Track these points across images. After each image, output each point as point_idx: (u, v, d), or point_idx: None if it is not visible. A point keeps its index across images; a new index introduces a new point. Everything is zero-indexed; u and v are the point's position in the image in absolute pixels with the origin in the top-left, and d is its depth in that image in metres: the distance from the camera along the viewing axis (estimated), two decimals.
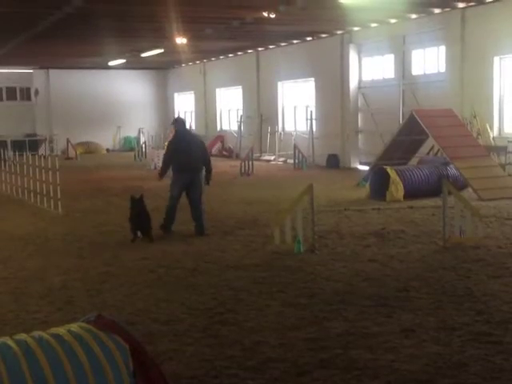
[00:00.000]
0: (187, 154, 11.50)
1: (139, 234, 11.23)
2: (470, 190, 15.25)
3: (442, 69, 20.83)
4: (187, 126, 12.17)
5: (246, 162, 23.10)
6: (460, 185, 14.71)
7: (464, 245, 9.93)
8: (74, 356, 3.54)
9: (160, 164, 25.94)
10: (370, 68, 24.59)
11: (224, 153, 33.30)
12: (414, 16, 20.87)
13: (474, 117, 18.54)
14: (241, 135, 31.47)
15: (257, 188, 18.64)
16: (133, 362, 3.66)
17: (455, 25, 19.58)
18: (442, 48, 20.78)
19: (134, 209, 11.29)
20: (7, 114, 37.19)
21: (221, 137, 34.64)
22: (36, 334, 3.72)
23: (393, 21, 21.72)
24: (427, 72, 21.86)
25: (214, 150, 33.97)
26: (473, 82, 19.22)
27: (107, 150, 38.37)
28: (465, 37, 19.41)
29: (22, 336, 3.69)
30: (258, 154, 28.86)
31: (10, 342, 3.57)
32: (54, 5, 17.23)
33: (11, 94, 38.81)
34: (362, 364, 5.41)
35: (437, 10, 19.94)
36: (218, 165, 27.83)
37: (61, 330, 3.76)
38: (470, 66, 19.34)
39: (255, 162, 24.18)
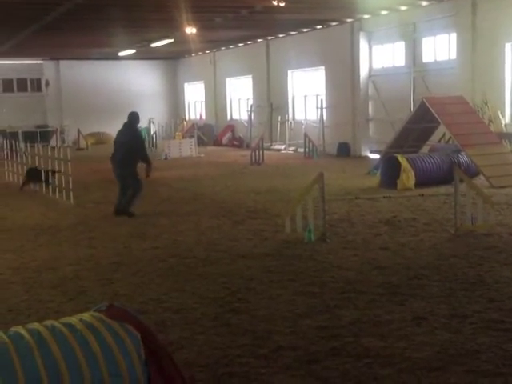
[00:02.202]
0: None
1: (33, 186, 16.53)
2: (481, 177, 15.18)
3: (453, 56, 20.69)
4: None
5: (257, 152, 23.08)
6: (472, 172, 14.64)
7: (475, 232, 9.90)
8: (87, 345, 3.57)
9: (170, 154, 26.20)
10: (380, 56, 24.47)
11: (234, 142, 33.30)
12: (424, 3, 20.73)
13: (486, 104, 18.42)
14: (251, 124, 31.43)
15: (267, 177, 18.63)
16: (144, 351, 3.68)
17: (466, 11, 19.43)
18: (453, 35, 20.63)
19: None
20: (18, 106, 37.32)
21: (231, 126, 34.63)
22: (48, 323, 3.75)
23: (403, 8, 21.59)
24: (438, 59, 21.74)
25: (225, 140, 34.01)
26: (484, 68, 19.09)
27: None
28: (476, 23, 19.26)
29: (35, 325, 3.72)
30: (269, 143, 28.82)
31: (23, 332, 3.60)
32: None
33: (22, 85, 38.89)
34: (374, 352, 5.41)
35: None
36: (229, 154, 27.90)
37: (73, 319, 3.79)
38: (481, 53, 19.20)
39: (265, 152, 24.14)
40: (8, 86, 38.51)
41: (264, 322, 6.28)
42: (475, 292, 7.01)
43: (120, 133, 12.94)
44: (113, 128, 37.79)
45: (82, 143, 33.91)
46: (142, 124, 38.94)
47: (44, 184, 16.30)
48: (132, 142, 12.54)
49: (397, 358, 5.28)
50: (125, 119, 13.13)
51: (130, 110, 13.53)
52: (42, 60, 37.88)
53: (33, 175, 16.88)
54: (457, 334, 5.75)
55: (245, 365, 5.26)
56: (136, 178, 12.67)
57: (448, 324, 6.03)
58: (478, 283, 7.34)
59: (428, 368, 5.07)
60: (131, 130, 12.78)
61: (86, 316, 3.84)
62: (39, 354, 3.46)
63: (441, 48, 21.63)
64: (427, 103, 16.37)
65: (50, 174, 16.20)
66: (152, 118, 38.73)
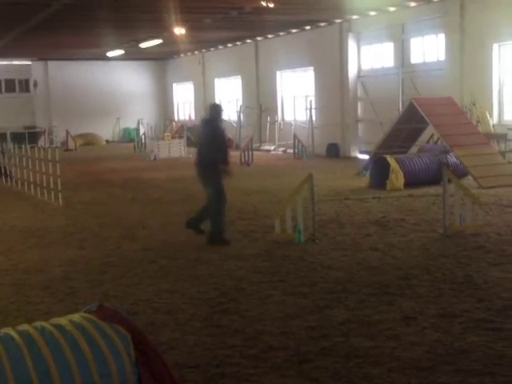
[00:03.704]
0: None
1: None
2: (470, 177, 15.25)
3: (442, 57, 20.78)
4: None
5: (246, 152, 23.09)
6: (460, 173, 14.70)
7: (464, 232, 9.94)
8: (76, 346, 3.56)
9: (159, 155, 26.13)
10: (369, 57, 24.54)
11: None
12: (412, 4, 20.80)
13: (474, 104, 18.50)
14: (240, 125, 31.43)
15: (257, 178, 18.65)
16: (135, 351, 3.68)
17: (454, 12, 19.52)
18: (441, 36, 20.73)
19: None
20: (6, 106, 37.15)
21: None
22: (38, 324, 3.74)
23: (392, 9, 21.66)
24: (426, 60, 21.83)
25: None
26: (472, 69, 19.18)
27: (107, 141, 38.35)
28: (464, 25, 19.35)
29: (25, 327, 3.71)
30: (258, 144, 28.83)
31: (13, 333, 3.59)
32: None
33: (10, 85, 38.73)
34: (364, 352, 5.43)
35: None
36: None
37: (63, 321, 3.78)
38: (469, 54, 19.29)
39: (255, 152, 24.16)
40: None
41: (254, 322, 6.29)
42: (464, 292, 7.04)
43: (201, 131, 10.71)
44: (101, 129, 38.25)
45: (71, 144, 33.81)
46: (131, 125, 39.27)
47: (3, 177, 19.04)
48: (214, 141, 10.18)
49: (386, 357, 5.30)
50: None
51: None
52: (31, 61, 37.74)
53: None
54: (446, 334, 5.78)
55: (235, 365, 5.27)
56: (217, 188, 10.11)
57: (437, 324, 6.05)
58: (467, 283, 7.37)
59: (417, 367, 5.09)
60: (212, 126, 10.31)
61: (75, 317, 3.83)
62: (29, 355, 3.45)
63: (429, 49, 21.72)
64: (416, 104, 16.44)
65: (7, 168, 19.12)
66: (141, 118, 38.73)
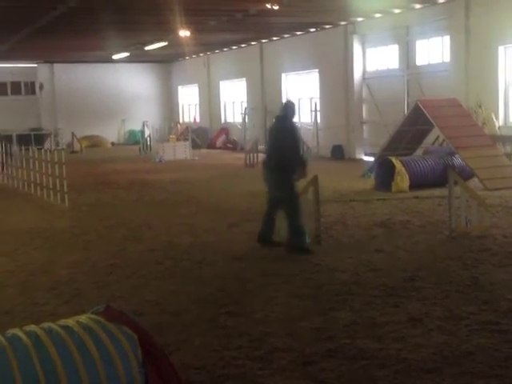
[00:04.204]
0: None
1: None
2: (475, 179, 15.23)
3: (447, 59, 20.76)
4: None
5: (251, 154, 23.10)
6: (466, 174, 14.68)
7: (470, 234, 9.93)
8: (84, 346, 3.57)
9: (164, 157, 26.13)
10: (374, 59, 24.54)
11: (228, 145, 33.31)
12: (417, 6, 20.79)
13: (479, 106, 18.48)
14: (245, 127, 31.45)
15: (262, 180, 18.58)
16: (142, 352, 3.69)
17: (459, 14, 19.50)
18: (447, 38, 20.70)
19: None
20: (12, 109, 37.27)
21: (225, 129, 34.64)
22: (46, 325, 3.76)
23: (397, 11, 21.65)
24: (432, 62, 21.81)
25: (219, 143, 34.01)
26: (478, 71, 19.16)
27: (112, 143, 38.42)
28: (469, 26, 19.33)
29: (32, 327, 3.72)
30: (263, 146, 28.80)
31: (21, 334, 3.60)
32: None
33: (16, 88, 38.87)
34: (370, 354, 5.43)
35: (440, 0, 19.87)
36: (223, 157, 27.92)
37: (70, 322, 3.79)
38: (474, 56, 19.27)
39: (260, 154, 24.13)
40: (2, 89, 38.49)
41: (260, 324, 6.29)
42: (470, 294, 7.03)
43: (271, 130, 10.03)
44: (107, 131, 38.33)
45: (76, 146, 33.90)
46: (136, 127, 39.33)
47: None
48: (286, 141, 9.50)
49: (392, 359, 5.30)
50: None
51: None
52: (36, 63, 37.85)
53: None
54: (452, 336, 5.77)
55: (241, 367, 5.27)
56: (290, 192, 9.41)
57: (443, 326, 6.05)
58: (473, 285, 7.36)
59: (423, 369, 5.08)
60: (285, 125, 9.67)
61: (83, 318, 3.84)
62: (37, 356, 3.46)
63: (434, 51, 21.70)
64: (421, 106, 16.42)
65: None
66: (146, 120, 38.78)
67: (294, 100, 29.18)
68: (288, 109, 9.83)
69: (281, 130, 9.63)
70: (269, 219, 9.73)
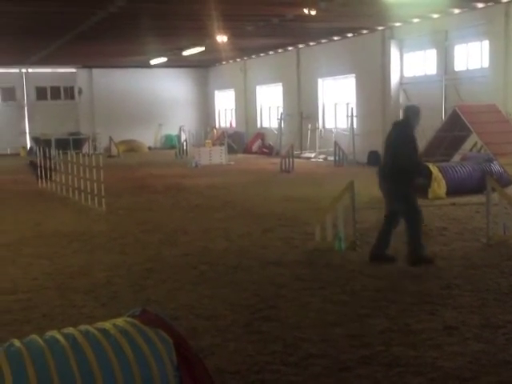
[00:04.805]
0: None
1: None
2: None
3: (486, 64, 20.53)
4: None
5: (286, 160, 23.11)
6: (504, 181, 14.49)
7: (508, 242, 9.79)
8: (120, 349, 3.61)
9: (200, 161, 26.29)
10: (411, 64, 24.37)
11: (264, 150, 33.36)
12: (456, 11, 20.62)
13: None
14: (281, 132, 31.47)
15: (297, 185, 18.63)
16: (177, 356, 3.72)
17: (499, 19, 19.28)
18: (486, 43, 20.48)
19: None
20: (52, 113, 37.89)
21: (261, 134, 34.71)
22: (83, 328, 3.81)
23: (435, 16, 21.49)
24: (470, 67, 21.58)
25: (255, 148, 34.10)
26: None
27: (149, 147, 38.76)
28: (509, 32, 19.10)
29: (70, 330, 3.78)
30: (299, 152, 28.83)
31: (58, 336, 3.66)
32: (97, 5, 17.47)
33: (55, 93, 39.50)
34: (405, 361, 5.39)
35: (480, 5, 19.67)
36: (259, 162, 27.97)
37: (107, 325, 3.84)
38: None
39: (295, 160, 24.16)
40: (42, 93, 39.16)
41: (294, 329, 6.29)
42: (508, 302, 6.94)
43: (389, 135, 9.24)
44: (144, 136, 38.70)
45: (114, 151, 34.27)
46: (172, 131, 39.62)
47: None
48: (403, 147, 8.80)
49: (428, 367, 5.25)
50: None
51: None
52: (75, 68, 38.40)
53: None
54: (489, 345, 5.71)
55: (275, 372, 5.28)
56: (409, 202, 8.79)
57: (480, 334, 5.98)
58: (511, 293, 7.26)
59: (460, 378, 5.03)
60: (403, 130, 8.98)
61: (119, 321, 3.89)
62: (74, 358, 3.51)
63: (473, 56, 21.47)
64: (459, 111, 16.27)
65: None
66: (182, 125, 39.07)
67: (331, 105, 29.24)
68: (409, 113, 9.18)
69: (398, 135, 8.93)
70: (383, 236, 9.03)
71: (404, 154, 8.69)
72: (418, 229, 8.76)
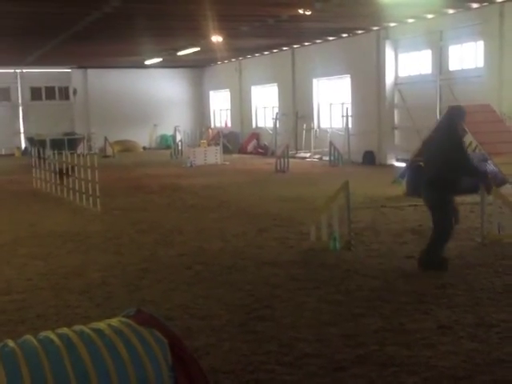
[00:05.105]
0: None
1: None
2: (508, 186, 15.04)
3: (480, 64, 20.56)
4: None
5: (282, 159, 23.12)
6: (498, 181, 14.51)
7: (502, 241, 9.82)
8: (114, 349, 3.61)
9: (195, 161, 26.27)
10: (406, 64, 24.41)
11: (259, 150, 33.36)
12: (451, 11, 20.64)
13: None
14: (276, 132, 31.48)
15: (292, 185, 18.65)
16: (172, 356, 3.72)
17: (493, 20, 19.32)
18: (480, 43, 20.51)
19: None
20: (46, 113, 37.81)
21: (256, 134, 34.71)
22: (77, 328, 3.81)
23: (430, 16, 21.52)
24: (465, 67, 21.62)
25: (250, 148, 34.10)
26: (511, 77, 18.94)
27: (144, 147, 38.72)
28: (503, 32, 19.13)
29: (64, 330, 3.78)
30: (294, 151, 28.83)
31: (53, 336, 3.66)
32: (92, 5, 17.44)
33: (50, 93, 39.43)
34: (399, 360, 5.41)
35: (474, 5, 19.70)
36: (254, 162, 27.98)
37: (101, 325, 3.84)
38: (508, 61, 19.06)
39: (290, 159, 24.17)
40: (37, 94, 39.08)
41: (289, 329, 6.30)
42: (502, 301, 6.96)
43: (430, 139, 8.84)
44: (138, 136, 38.68)
45: (109, 151, 34.22)
46: (167, 131, 39.60)
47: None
48: (447, 151, 8.20)
49: (422, 366, 5.27)
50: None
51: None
52: (70, 68, 38.33)
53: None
54: (483, 343, 5.73)
55: (270, 372, 5.29)
56: (444, 211, 8.30)
57: (474, 333, 6.00)
58: (505, 292, 7.29)
59: (454, 377, 5.05)
60: (447, 133, 8.43)
61: (114, 321, 3.89)
62: (68, 358, 3.51)
63: (467, 56, 21.51)
64: None
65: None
66: (178, 125, 39.05)
67: (326, 105, 29.27)
68: (453, 113, 8.70)
69: (442, 138, 8.49)
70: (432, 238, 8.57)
71: (457, 160, 8.19)
72: (443, 243, 8.40)
